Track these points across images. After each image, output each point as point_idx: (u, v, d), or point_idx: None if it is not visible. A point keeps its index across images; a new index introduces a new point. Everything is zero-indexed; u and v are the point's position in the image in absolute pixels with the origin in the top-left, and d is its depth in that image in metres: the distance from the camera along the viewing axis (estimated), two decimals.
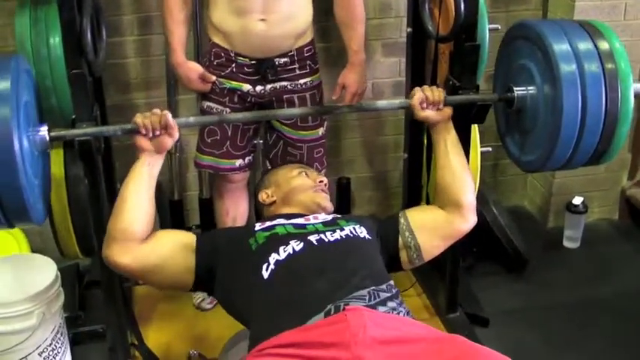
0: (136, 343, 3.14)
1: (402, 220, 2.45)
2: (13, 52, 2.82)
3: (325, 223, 2.36)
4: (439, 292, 3.29)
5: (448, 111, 2.59)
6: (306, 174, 2.69)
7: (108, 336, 3.06)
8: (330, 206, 2.60)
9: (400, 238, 2.42)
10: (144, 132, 2.35)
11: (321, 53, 3.33)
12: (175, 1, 3.05)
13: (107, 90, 3.25)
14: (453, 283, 3.17)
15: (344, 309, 1.94)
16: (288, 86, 3.12)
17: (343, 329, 1.85)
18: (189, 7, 3.11)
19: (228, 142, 3.17)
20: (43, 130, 2.32)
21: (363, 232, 2.34)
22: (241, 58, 3.05)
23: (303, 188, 2.63)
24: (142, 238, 2.29)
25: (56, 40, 2.72)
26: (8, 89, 2.08)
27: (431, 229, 2.46)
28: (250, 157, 3.28)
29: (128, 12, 3.49)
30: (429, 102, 2.55)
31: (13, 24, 2.81)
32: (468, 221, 2.49)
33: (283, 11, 2.96)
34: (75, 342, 3.10)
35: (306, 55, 3.13)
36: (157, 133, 2.35)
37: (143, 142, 2.37)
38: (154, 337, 3.20)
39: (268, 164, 3.33)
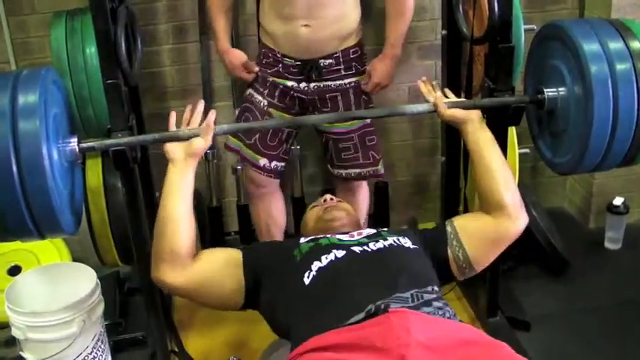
0: (177, 350, 3.15)
1: (448, 229, 2.41)
2: (50, 63, 2.84)
3: (369, 236, 2.34)
4: (479, 295, 3.27)
5: (475, 110, 2.57)
6: (316, 205, 2.70)
7: (149, 343, 3.09)
8: (344, 217, 2.58)
9: (449, 249, 2.37)
10: (173, 120, 2.40)
11: (371, 55, 3.32)
12: None
13: (144, 99, 3.27)
14: (493, 287, 3.14)
15: (387, 311, 1.89)
16: (332, 85, 3.16)
17: (386, 331, 1.82)
18: None
19: (257, 136, 3.22)
20: (73, 142, 2.34)
21: (407, 242, 2.31)
22: (287, 59, 3.12)
23: (313, 217, 2.65)
24: (190, 254, 2.30)
25: (92, 51, 2.75)
26: (37, 102, 2.10)
27: (479, 237, 2.39)
28: (279, 164, 3.30)
29: (163, 21, 3.52)
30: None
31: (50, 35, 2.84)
32: (515, 222, 2.39)
33: (328, 17, 3.00)
34: (116, 349, 3.12)
35: (351, 56, 3.16)
36: (188, 114, 2.42)
37: (171, 148, 2.37)
38: (194, 343, 3.22)
39: (329, 168, 3.38)
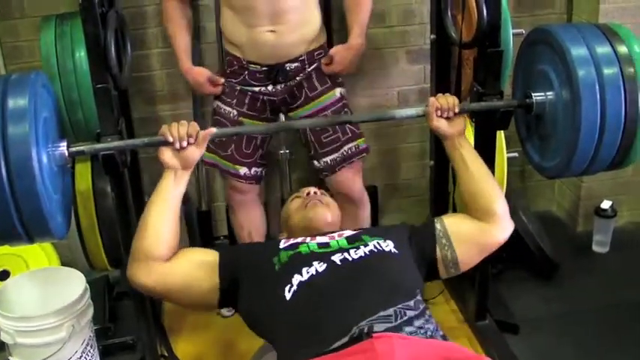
0: (166, 354, 3.14)
1: (438, 226, 2.40)
2: (40, 67, 2.84)
3: (349, 239, 2.31)
4: (468, 299, 3.27)
5: (460, 124, 2.56)
6: (298, 196, 2.65)
7: (138, 348, 3.09)
8: (327, 215, 2.53)
9: (437, 247, 2.36)
10: (170, 139, 2.33)
11: None
12: (175, 10, 3.18)
13: (133, 102, 3.27)
14: (482, 291, 3.15)
15: (371, 336, 1.88)
16: (297, 79, 3.16)
17: (371, 358, 1.81)
18: (188, 14, 3.23)
19: (232, 146, 3.22)
20: (63, 146, 2.33)
21: (389, 245, 2.28)
22: (253, 65, 3.12)
23: (295, 211, 2.59)
24: (166, 259, 2.29)
25: (82, 54, 2.75)
26: (26, 106, 2.09)
27: (468, 238, 2.39)
28: (258, 170, 3.30)
29: (153, 25, 3.51)
30: (443, 109, 2.53)
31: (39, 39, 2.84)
32: (504, 229, 2.41)
33: (292, 21, 3.02)
34: (105, 354, 3.11)
35: (316, 58, 3.17)
36: (184, 143, 2.35)
37: (168, 157, 2.36)
38: (184, 348, 3.21)
39: (316, 164, 3.30)
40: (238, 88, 3.18)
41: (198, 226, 3.81)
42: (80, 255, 3.11)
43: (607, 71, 2.36)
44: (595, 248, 3.88)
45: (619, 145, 2.41)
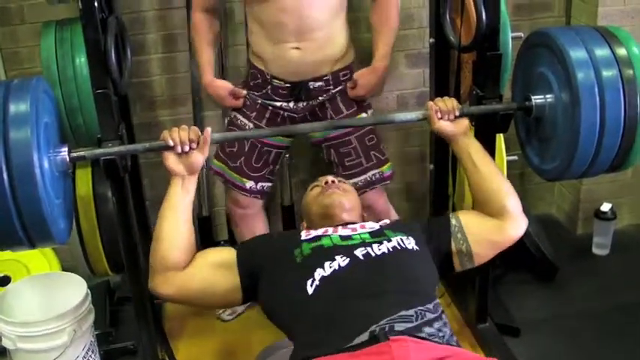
0: (167, 359, 3.14)
1: (453, 222, 2.42)
2: (40, 72, 2.85)
3: (372, 234, 2.31)
4: (469, 302, 3.27)
5: (464, 123, 2.57)
6: (317, 185, 2.66)
7: (139, 352, 3.08)
8: (344, 202, 2.53)
9: (453, 241, 2.38)
10: (171, 143, 2.33)
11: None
12: (203, 22, 3.15)
13: (133, 108, 3.27)
14: (482, 294, 3.14)
15: (389, 338, 1.88)
16: (321, 98, 3.14)
17: None
18: (215, 28, 3.21)
19: (243, 158, 3.20)
20: (64, 151, 2.34)
21: (411, 242, 2.29)
22: (276, 81, 3.09)
23: (313, 200, 2.61)
24: (183, 266, 2.30)
25: (82, 60, 2.76)
26: (28, 111, 2.10)
27: (482, 236, 2.41)
28: (264, 185, 3.28)
29: (153, 30, 3.52)
30: (443, 112, 2.54)
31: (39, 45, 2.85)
32: (518, 226, 2.44)
33: (317, 40, 2.99)
34: (106, 359, 3.11)
35: (342, 79, 3.14)
36: (186, 148, 2.35)
37: (174, 164, 2.36)
38: (185, 352, 3.21)
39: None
40: (259, 101, 3.15)
41: (199, 232, 3.80)
42: (81, 260, 3.11)
43: (606, 74, 2.36)
44: (595, 251, 3.88)
45: (618, 148, 2.41)
